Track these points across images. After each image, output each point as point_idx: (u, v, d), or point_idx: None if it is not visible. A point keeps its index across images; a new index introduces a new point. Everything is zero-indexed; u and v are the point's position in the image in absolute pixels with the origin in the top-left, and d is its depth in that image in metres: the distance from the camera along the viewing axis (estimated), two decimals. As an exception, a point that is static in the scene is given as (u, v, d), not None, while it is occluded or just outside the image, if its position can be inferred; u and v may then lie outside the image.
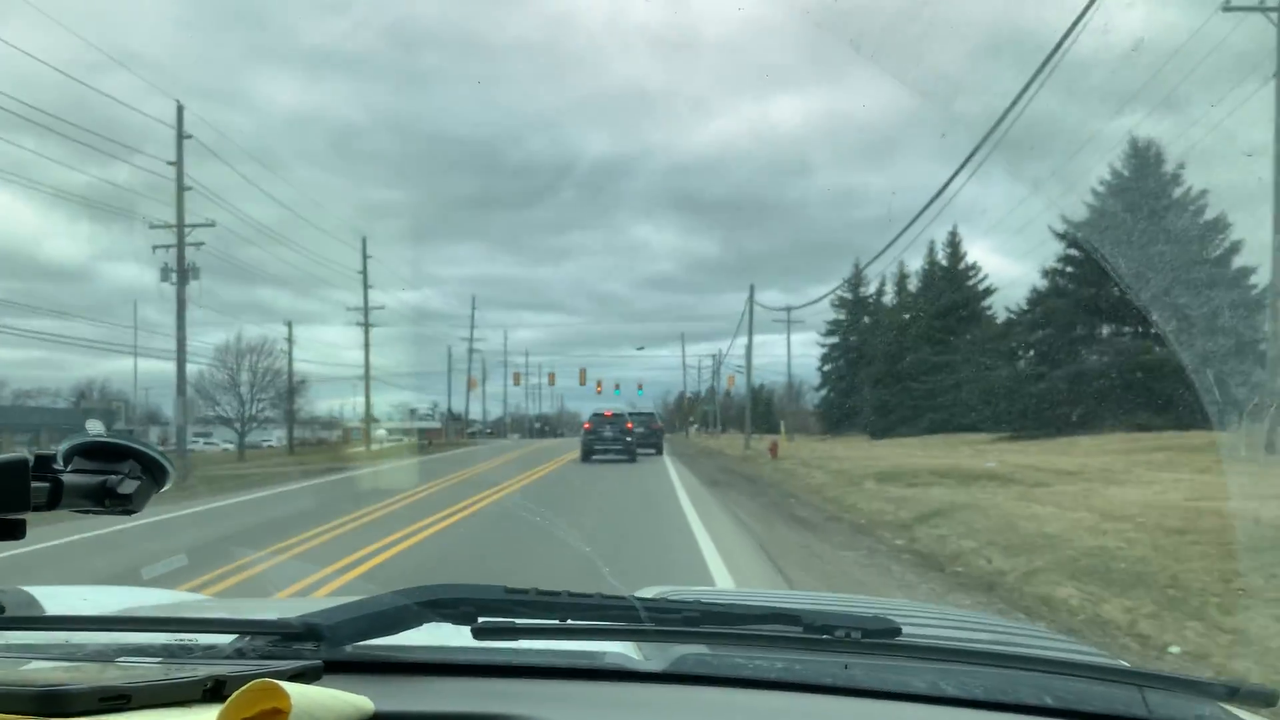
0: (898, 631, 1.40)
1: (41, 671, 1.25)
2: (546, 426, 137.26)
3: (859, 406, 71.46)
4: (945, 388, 54.72)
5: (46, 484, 1.10)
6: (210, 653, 1.34)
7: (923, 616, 2.01)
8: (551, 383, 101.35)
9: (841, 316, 77.42)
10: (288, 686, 0.97)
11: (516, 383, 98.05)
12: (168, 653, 1.34)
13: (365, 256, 76.13)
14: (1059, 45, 13.97)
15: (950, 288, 56.97)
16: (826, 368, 77.91)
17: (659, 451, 40.01)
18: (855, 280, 77.38)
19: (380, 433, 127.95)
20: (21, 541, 1.12)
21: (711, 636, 1.40)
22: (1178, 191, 36.85)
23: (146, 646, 1.37)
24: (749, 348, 43.26)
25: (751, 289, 43.43)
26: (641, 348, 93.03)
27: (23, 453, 1.08)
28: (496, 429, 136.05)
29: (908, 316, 59.26)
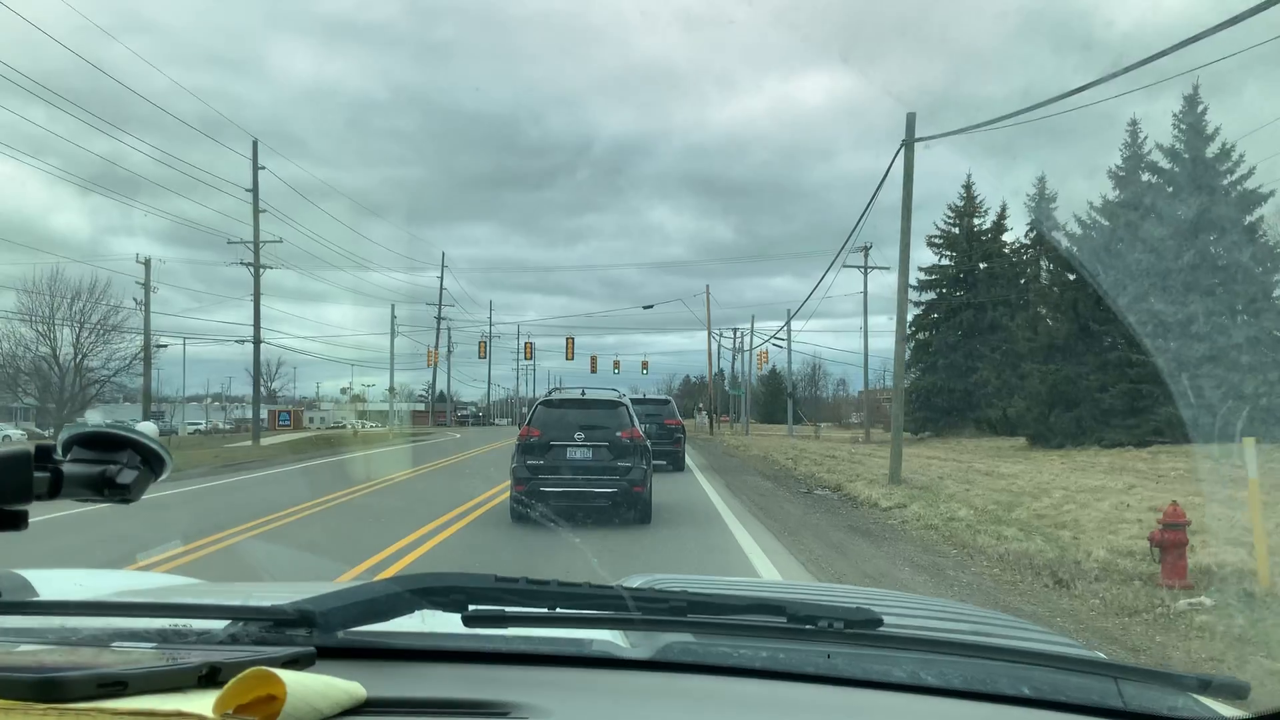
0: (879, 622, 1.40)
1: (37, 655, 1.24)
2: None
3: (983, 394, 47.36)
4: (1198, 358, 30.58)
5: (47, 474, 1.08)
6: (205, 638, 1.33)
7: (904, 607, 2.00)
8: (529, 355, 77.62)
9: (947, 260, 53.09)
10: (282, 674, 0.98)
11: (482, 354, 74.17)
12: (162, 638, 1.33)
13: (256, 168, 53.17)
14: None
15: (1192, 189, 32.74)
16: (921, 336, 53.66)
17: (676, 466, 23.56)
18: (967, 208, 53.20)
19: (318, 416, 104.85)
20: None
21: (697, 626, 1.41)
22: None
23: (141, 631, 1.36)
24: (905, 229, 19.14)
25: (911, 121, 19.16)
26: (650, 306, 70.24)
27: (25, 445, 1.07)
28: (491, 413, 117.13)
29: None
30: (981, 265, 51.08)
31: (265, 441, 52.38)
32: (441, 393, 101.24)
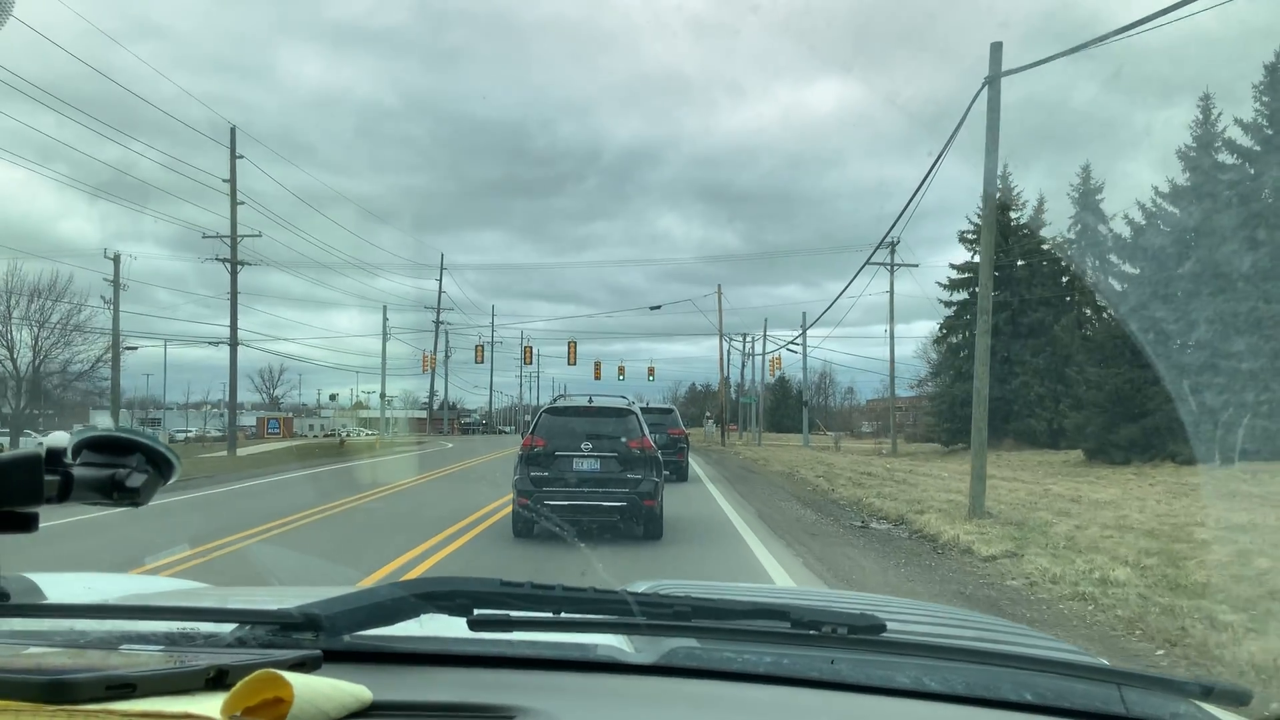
0: (883, 628, 1.39)
1: (46, 658, 1.23)
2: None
3: (1024, 402, 43.21)
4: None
5: (58, 477, 1.08)
6: (212, 641, 1.33)
7: (908, 613, 1.98)
8: (528, 360, 73.64)
9: (978, 257, 48.87)
10: (289, 676, 0.98)
11: (479, 359, 70.22)
12: (170, 641, 1.33)
13: (234, 156, 49.83)
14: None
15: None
16: (952, 339, 49.46)
17: (680, 477, 22.94)
18: (1003, 200, 48.94)
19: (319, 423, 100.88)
20: None
21: (702, 631, 1.40)
22: None
23: (149, 634, 1.36)
24: (989, 183, 15.16)
25: (996, 52, 14.97)
26: (657, 307, 66.26)
27: (35, 447, 1.08)
28: (494, 421, 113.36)
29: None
30: (1019, 262, 46.91)
31: (244, 452, 48.75)
32: (445, 401, 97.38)
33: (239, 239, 48.29)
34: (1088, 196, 43.80)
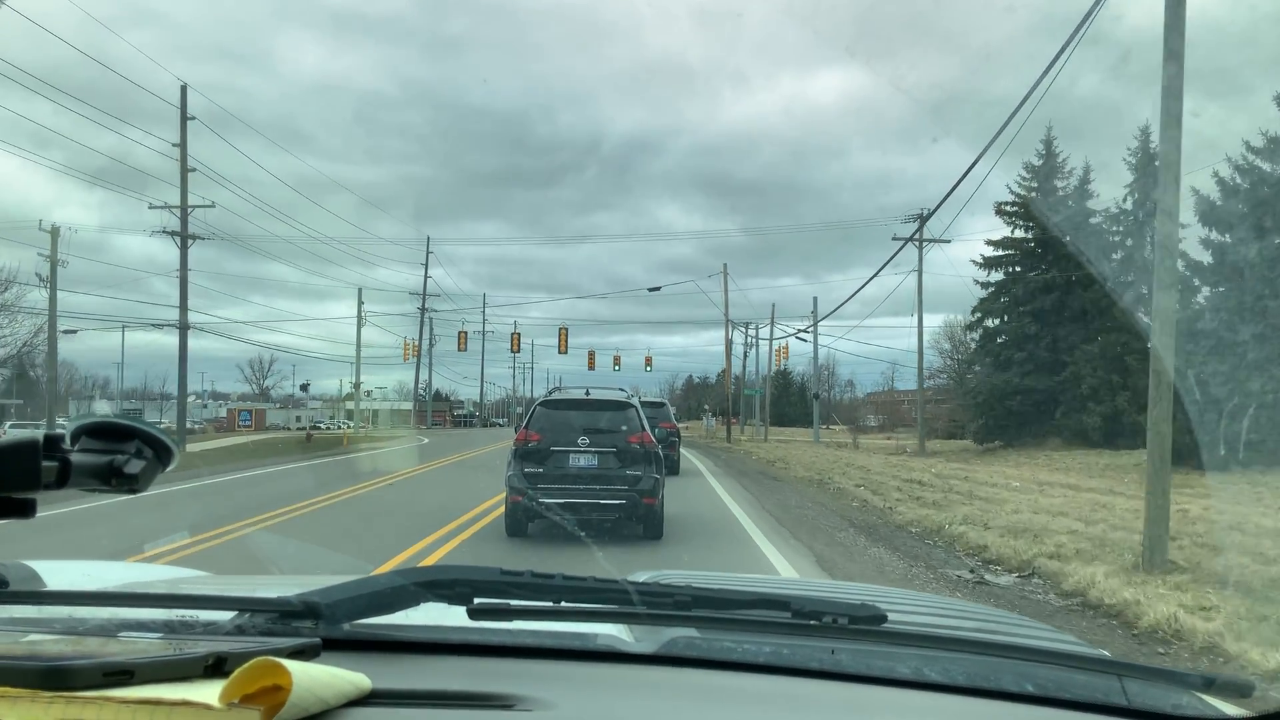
0: (884, 618, 1.39)
1: (44, 645, 1.24)
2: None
3: (1075, 395, 37.92)
4: None
5: (55, 463, 1.08)
6: (211, 629, 1.33)
7: (909, 604, 1.99)
8: (515, 348, 68.53)
9: (1023, 232, 43.59)
10: (288, 664, 0.98)
11: (462, 346, 65.03)
12: (169, 628, 1.33)
13: (184, 118, 44.91)
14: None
15: None
16: (989, 323, 44.17)
17: (671, 471, 20.68)
18: (1046, 168, 43.80)
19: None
20: None
21: (702, 620, 1.40)
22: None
23: (148, 622, 1.36)
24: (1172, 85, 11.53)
25: None
26: (657, 288, 61.45)
27: (33, 433, 1.07)
28: (487, 413, 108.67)
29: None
30: (1066, 237, 41.67)
31: (197, 447, 43.98)
32: (438, 391, 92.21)
33: (190, 209, 43.28)
34: (1147, 162, 38.58)
